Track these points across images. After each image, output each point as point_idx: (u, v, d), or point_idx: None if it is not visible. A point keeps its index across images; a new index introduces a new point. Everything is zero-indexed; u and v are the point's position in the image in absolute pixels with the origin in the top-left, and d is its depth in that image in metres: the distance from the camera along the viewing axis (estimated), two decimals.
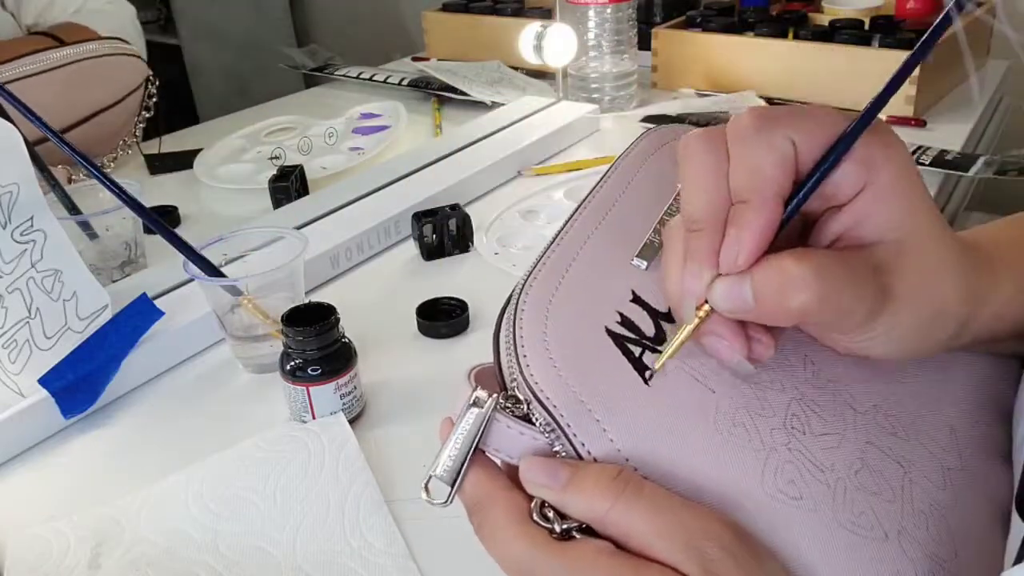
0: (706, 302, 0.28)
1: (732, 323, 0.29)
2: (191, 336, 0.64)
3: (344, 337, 0.54)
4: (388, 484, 0.49)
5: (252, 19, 1.69)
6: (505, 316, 0.30)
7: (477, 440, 0.28)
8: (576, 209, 0.35)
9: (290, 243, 0.62)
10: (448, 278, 0.73)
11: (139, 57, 0.94)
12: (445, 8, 1.34)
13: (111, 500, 0.48)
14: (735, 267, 0.27)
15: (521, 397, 0.28)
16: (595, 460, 0.27)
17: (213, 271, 0.58)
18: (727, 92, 1.11)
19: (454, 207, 0.78)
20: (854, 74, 1.00)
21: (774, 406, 0.30)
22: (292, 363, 0.53)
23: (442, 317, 0.64)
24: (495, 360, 0.30)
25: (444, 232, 0.76)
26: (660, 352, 0.29)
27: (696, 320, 0.28)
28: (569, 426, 0.28)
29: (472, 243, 0.78)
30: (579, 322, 0.30)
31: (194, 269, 0.58)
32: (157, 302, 0.61)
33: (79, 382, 0.56)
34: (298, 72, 1.33)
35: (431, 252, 0.76)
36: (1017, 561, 0.29)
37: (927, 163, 0.86)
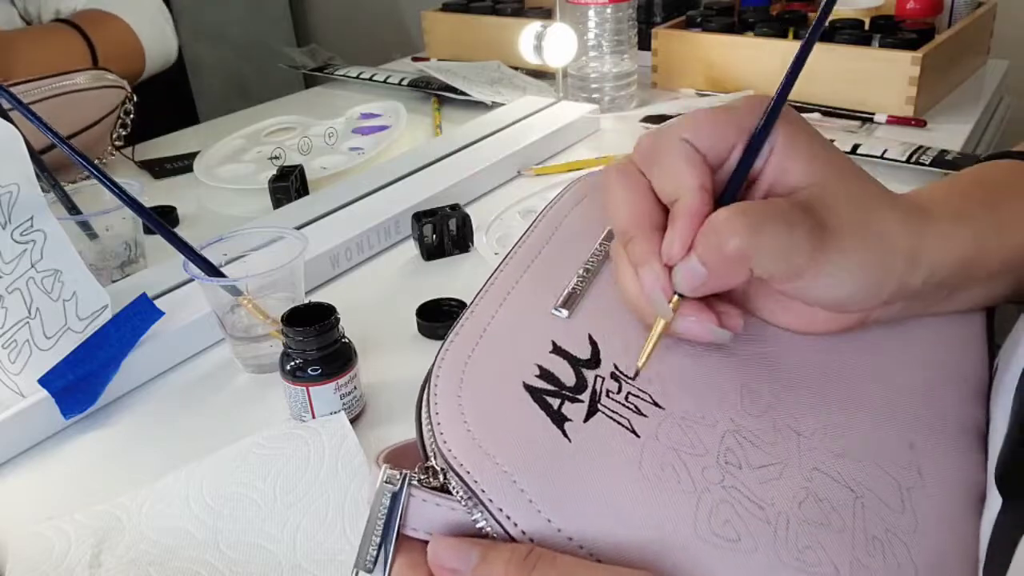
0: (673, 296, 0.30)
1: (697, 303, 0.31)
2: (191, 336, 0.64)
3: (344, 337, 0.54)
4: None
5: (252, 19, 1.69)
6: (423, 383, 0.29)
7: (397, 523, 0.26)
8: (500, 264, 0.34)
9: (290, 243, 0.62)
10: (448, 278, 0.73)
11: (122, 87, 0.95)
12: (445, 8, 1.34)
13: (112, 499, 0.48)
14: (675, 255, 0.30)
15: (439, 468, 0.27)
16: (521, 530, 0.26)
17: (213, 271, 0.58)
18: (727, 92, 1.11)
19: (454, 207, 0.78)
20: (854, 74, 1.00)
21: (706, 442, 0.28)
22: (292, 363, 0.53)
23: (442, 318, 0.65)
24: (417, 433, 0.28)
25: (444, 232, 0.76)
26: (580, 401, 0.29)
27: (670, 315, 0.30)
28: (484, 491, 0.26)
29: (472, 243, 0.78)
30: (496, 381, 0.29)
31: (194, 269, 0.58)
32: (157, 302, 0.61)
33: (79, 382, 0.56)
34: (298, 72, 1.33)
35: (431, 252, 0.76)
36: (992, 538, 0.27)
37: (927, 163, 0.85)
